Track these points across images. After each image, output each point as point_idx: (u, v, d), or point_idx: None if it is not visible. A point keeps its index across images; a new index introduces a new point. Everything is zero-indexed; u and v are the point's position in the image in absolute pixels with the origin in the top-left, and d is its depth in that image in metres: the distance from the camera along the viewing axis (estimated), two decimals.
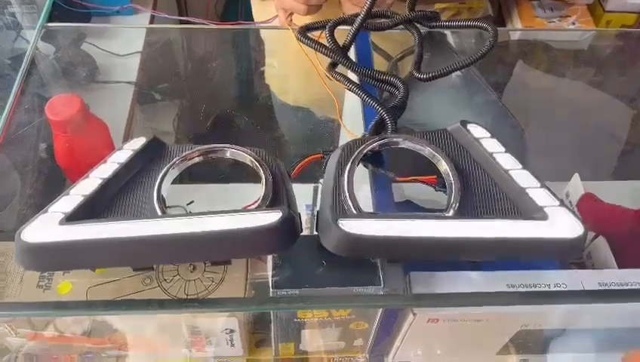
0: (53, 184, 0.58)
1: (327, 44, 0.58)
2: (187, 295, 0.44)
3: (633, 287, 0.45)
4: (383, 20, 0.63)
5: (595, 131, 0.71)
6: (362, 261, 0.43)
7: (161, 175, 0.44)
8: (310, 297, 0.42)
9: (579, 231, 0.40)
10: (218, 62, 0.73)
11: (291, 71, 0.76)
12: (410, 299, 0.44)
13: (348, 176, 0.43)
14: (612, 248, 0.52)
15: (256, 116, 0.68)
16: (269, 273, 0.42)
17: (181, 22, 1.15)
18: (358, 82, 0.57)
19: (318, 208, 0.45)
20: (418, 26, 0.64)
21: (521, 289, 0.44)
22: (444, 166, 0.45)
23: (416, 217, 0.41)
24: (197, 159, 0.46)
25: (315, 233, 0.43)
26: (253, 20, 0.85)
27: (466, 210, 0.43)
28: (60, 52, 0.72)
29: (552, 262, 0.47)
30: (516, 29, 1.04)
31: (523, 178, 0.44)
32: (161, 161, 0.46)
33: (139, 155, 0.46)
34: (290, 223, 0.40)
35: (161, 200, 0.43)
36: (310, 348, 0.52)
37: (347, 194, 0.42)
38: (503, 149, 0.45)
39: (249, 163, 0.46)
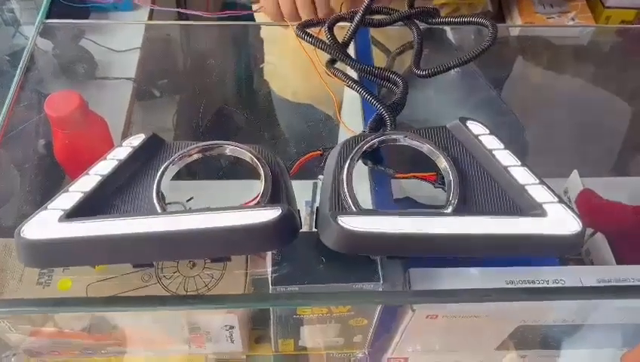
0: (53, 181, 0.58)
1: (327, 41, 0.58)
2: (187, 291, 0.44)
3: (632, 283, 0.45)
4: (382, 17, 0.63)
5: (594, 127, 0.71)
6: (361, 257, 0.43)
7: (160, 172, 0.44)
8: (310, 294, 0.42)
9: (577, 228, 0.41)
10: (217, 58, 0.73)
11: (291, 67, 0.76)
12: (409, 295, 0.44)
13: (347, 172, 0.43)
14: (610, 244, 0.52)
15: (256, 113, 0.67)
16: (269, 269, 0.43)
17: (179, 15, 1.14)
18: (357, 79, 0.57)
19: (317, 205, 0.45)
20: (417, 22, 0.64)
21: (519, 286, 0.44)
22: (443, 163, 0.45)
23: (416, 214, 0.41)
24: (196, 156, 0.46)
25: (315, 230, 0.43)
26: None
27: (465, 207, 0.43)
28: (58, 48, 0.72)
29: (550, 259, 0.47)
30: (516, 25, 1.03)
31: (522, 175, 0.44)
32: (160, 158, 0.46)
33: (138, 152, 0.46)
34: (289, 220, 0.40)
35: (161, 196, 0.43)
36: (309, 344, 0.52)
37: (346, 191, 0.42)
38: (502, 146, 0.45)
39: (248, 160, 0.46)
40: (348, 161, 0.44)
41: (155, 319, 0.48)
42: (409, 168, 0.48)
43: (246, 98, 0.72)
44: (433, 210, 0.43)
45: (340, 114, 0.56)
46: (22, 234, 0.39)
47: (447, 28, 0.69)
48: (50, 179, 0.58)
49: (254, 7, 0.72)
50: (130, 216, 0.40)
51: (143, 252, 0.40)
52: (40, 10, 0.69)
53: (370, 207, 0.48)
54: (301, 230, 0.41)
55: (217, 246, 0.40)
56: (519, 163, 0.44)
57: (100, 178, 0.43)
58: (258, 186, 0.43)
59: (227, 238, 0.39)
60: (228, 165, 0.56)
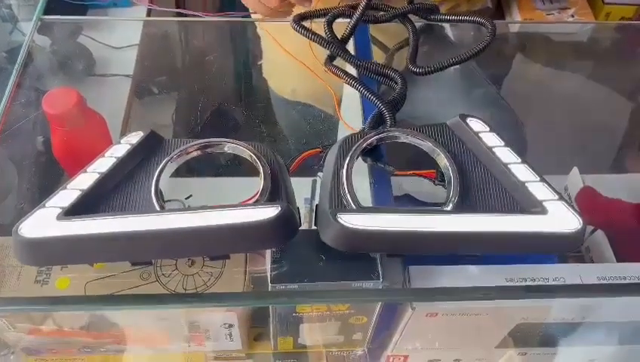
0: (51, 178, 0.58)
1: (325, 36, 0.58)
2: (185, 289, 0.44)
3: (632, 281, 0.45)
4: (379, 13, 0.63)
5: (594, 124, 0.71)
6: (361, 255, 0.43)
7: (159, 169, 0.44)
8: (309, 291, 0.42)
9: (577, 225, 0.40)
10: (216, 55, 0.73)
11: (289, 65, 0.75)
12: (409, 293, 0.44)
13: (347, 170, 0.43)
14: (611, 242, 0.52)
15: (255, 110, 0.67)
16: (268, 267, 0.42)
17: (178, 12, 1.14)
18: (356, 75, 0.57)
19: (316, 202, 0.44)
20: (416, 18, 0.64)
21: (519, 283, 0.44)
22: (443, 160, 0.45)
23: (416, 211, 0.41)
24: (195, 153, 0.46)
25: (314, 227, 0.43)
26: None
27: (465, 204, 0.43)
28: (56, 45, 0.71)
29: (550, 256, 0.47)
30: (515, 22, 1.03)
31: (522, 172, 0.44)
32: (159, 155, 0.46)
33: (137, 149, 0.45)
34: (288, 218, 0.40)
35: (159, 194, 0.43)
36: (309, 342, 0.52)
37: (346, 189, 0.42)
38: (503, 143, 0.45)
39: (247, 157, 0.45)
40: (347, 159, 0.44)
41: (153, 317, 0.48)
42: (409, 165, 0.48)
43: (245, 95, 0.72)
44: (433, 207, 0.43)
45: (339, 111, 0.56)
46: (19, 232, 0.39)
47: (446, 24, 0.69)
48: (48, 177, 0.58)
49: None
50: (129, 213, 0.40)
51: (142, 250, 0.40)
52: (37, 6, 0.68)
53: (370, 205, 0.48)
54: (300, 228, 0.41)
55: (216, 244, 0.40)
56: (519, 160, 0.44)
57: (98, 175, 0.43)
58: (257, 184, 0.43)
59: (226, 236, 0.39)
60: (227, 163, 0.55)
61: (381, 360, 0.53)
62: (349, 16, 0.59)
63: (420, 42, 0.61)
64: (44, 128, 0.57)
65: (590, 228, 0.53)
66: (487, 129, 0.46)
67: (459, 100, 0.65)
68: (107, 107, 0.61)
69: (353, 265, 0.42)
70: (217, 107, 0.66)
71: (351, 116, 0.56)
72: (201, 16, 0.74)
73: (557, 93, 0.74)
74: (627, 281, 0.45)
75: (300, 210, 0.43)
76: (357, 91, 0.55)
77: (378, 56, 0.66)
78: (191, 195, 0.48)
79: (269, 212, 0.39)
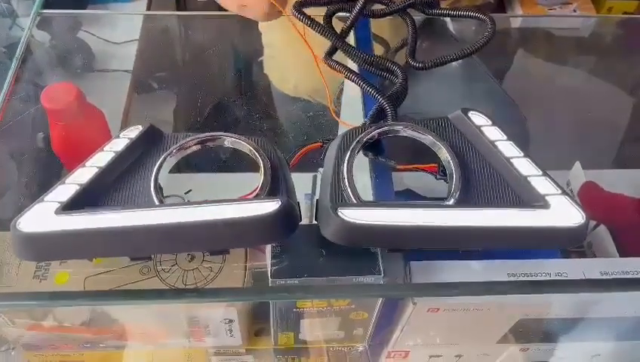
0: (50, 173, 0.57)
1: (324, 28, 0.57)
2: (185, 285, 0.43)
3: (635, 276, 0.45)
4: (379, 7, 0.62)
5: (596, 119, 0.70)
6: (362, 250, 0.42)
7: (158, 163, 0.44)
8: (309, 287, 0.42)
9: (581, 220, 0.40)
10: (217, 50, 0.72)
11: (290, 60, 0.75)
12: (410, 288, 0.44)
13: (348, 164, 0.43)
14: (613, 237, 0.52)
15: (255, 105, 0.67)
16: (268, 262, 0.42)
17: (178, 6, 1.14)
18: (356, 70, 0.57)
19: (317, 197, 0.44)
20: (416, 12, 0.63)
21: (522, 279, 0.43)
22: (445, 154, 0.44)
23: (417, 206, 0.40)
24: (195, 148, 0.46)
25: (315, 222, 0.42)
26: None
27: (467, 199, 0.42)
28: (55, 40, 0.71)
29: (553, 251, 0.47)
30: (517, 15, 1.03)
31: (524, 166, 0.43)
32: (158, 150, 0.45)
33: (136, 144, 0.45)
34: (289, 212, 0.39)
35: (159, 189, 0.43)
36: (309, 337, 0.52)
37: (347, 183, 0.42)
38: (505, 137, 0.45)
39: (247, 152, 0.45)
40: (348, 153, 0.44)
41: (153, 313, 0.48)
42: (410, 160, 0.47)
43: (245, 90, 0.72)
44: (435, 202, 0.43)
45: (332, 107, 0.55)
46: (18, 227, 0.38)
47: (447, 18, 0.68)
48: (46, 172, 0.58)
49: None
50: (128, 208, 0.40)
51: (141, 245, 0.40)
52: (36, 0, 0.68)
53: (371, 200, 0.47)
54: (301, 223, 0.41)
55: (216, 238, 0.40)
56: (522, 154, 0.44)
57: (97, 170, 0.43)
58: (257, 179, 0.43)
59: (226, 231, 0.39)
60: (227, 157, 0.55)
61: (382, 355, 0.53)
62: (349, 11, 0.58)
63: (421, 36, 0.60)
64: (43, 123, 0.56)
65: (593, 223, 0.52)
66: (490, 123, 0.46)
67: (460, 94, 0.65)
68: (107, 102, 0.60)
69: (354, 260, 0.42)
70: (217, 102, 0.66)
71: (352, 110, 0.56)
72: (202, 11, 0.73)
73: (559, 87, 0.74)
74: (630, 276, 0.45)
75: (300, 206, 0.43)
76: (357, 86, 0.55)
77: (378, 51, 0.66)
78: (190, 190, 0.48)
79: (269, 206, 0.38)
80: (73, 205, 0.40)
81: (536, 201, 0.41)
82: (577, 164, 0.58)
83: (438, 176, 0.45)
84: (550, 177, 0.43)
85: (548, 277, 0.44)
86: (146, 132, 0.46)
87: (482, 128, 0.46)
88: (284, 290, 0.42)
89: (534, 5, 1.14)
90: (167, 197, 0.43)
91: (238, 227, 0.39)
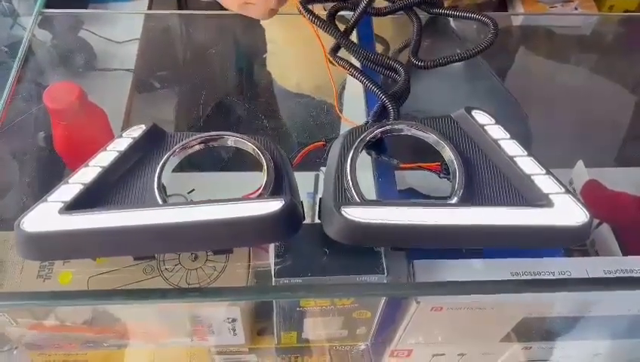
0: (52, 172, 0.57)
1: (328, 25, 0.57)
2: (189, 284, 0.43)
3: (638, 274, 0.45)
4: (383, 5, 0.62)
5: (599, 117, 0.70)
6: (365, 249, 0.42)
7: (161, 163, 0.44)
8: (313, 286, 0.42)
9: (584, 218, 0.40)
10: (218, 48, 0.72)
11: (293, 58, 0.75)
12: (413, 287, 0.44)
13: (351, 163, 0.43)
14: (616, 235, 0.52)
15: (258, 104, 0.67)
16: (272, 261, 0.42)
17: (179, 5, 1.13)
18: (360, 67, 0.56)
19: (319, 196, 0.44)
20: (419, 11, 0.63)
21: (525, 277, 0.43)
22: (448, 153, 0.44)
23: (420, 204, 0.40)
24: (198, 147, 0.46)
25: (318, 221, 0.42)
26: None
27: (470, 197, 0.42)
28: (57, 39, 0.71)
29: (556, 250, 0.47)
30: (518, 14, 1.02)
31: (528, 165, 0.43)
32: (161, 149, 0.45)
33: (139, 143, 0.45)
34: (292, 211, 0.39)
35: (162, 188, 0.42)
36: (312, 336, 0.52)
37: (350, 182, 0.42)
38: (508, 136, 0.45)
39: (250, 151, 0.45)
40: (351, 151, 0.44)
41: (157, 312, 0.48)
42: (413, 159, 0.47)
43: (248, 89, 0.72)
44: (438, 200, 0.43)
45: (337, 104, 0.55)
46: (21, 227, 0.38)
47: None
48: (49, 171, 0.58)
49: None
50: (131, 207, 0.40)
51: (145, 244, 0.40)
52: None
53: (374, 198, 0.47)
54: (304, 222, 0.41)
55: (219, 238, 0.40)
56: (525, 153, 0.44)
57: (100, 169, 0.43)
58: (260, 178, 0.43)
59: (229, 230, 0.39)
60: (230, 157, 0.55)
61: (385, 354, 0.53)
62: (352, 9, 0.58)
63: (424, 35, 0.60)
64: (46, 123, 0.56)
65: (595, 221, 0.52)
66: (493, 121, 0.46)
67: (462, 93, 0.65)
68: (108, 102, 0.60)
69: (357, 259, 0.42)
70: (220, 101, 0.66)
71: (354, 109, 0.56)
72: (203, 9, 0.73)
73: (560, 85, 0.74)
74: (634, 275, 0.45)
75: (303, 204, 0.43)
76: (360, 83, 0.55)
77: (380, 49, 0.65)
78: (193, 189, 0.48)
79: (273, 205, 0.38)
80: (76, 205, 0.40)
81: (540, 200, 0.41)
82: (580, 163, 0.58)
83: (441, 175, 0.45)
84: (554, 176, 0.43)
85: (551, 276, 0.44)
86: (148, 131, 0.46)
87: (486, 127, 0.46)
88: (288, 289, 0.42)
89: (535, 3, 1.14)
90: (170, 196, 0.43)
91: (242, 226, 0.39)
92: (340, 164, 0.43)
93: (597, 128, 0.69)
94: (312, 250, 0.42)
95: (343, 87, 0.61)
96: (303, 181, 0.47)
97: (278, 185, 0.43)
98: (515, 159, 0.43)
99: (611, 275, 0.45)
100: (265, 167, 0.43)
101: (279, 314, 0.48)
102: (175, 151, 0.44)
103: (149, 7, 1.00)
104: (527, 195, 0.42)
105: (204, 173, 0.57)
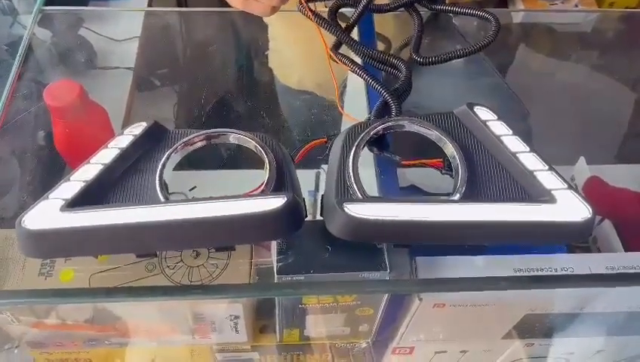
0: (53, 171, 0.57)
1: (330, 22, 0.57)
2: (191, 281, 0.43)
3: None
4: (384, 2, 0.62)
5: (600, 114, 0.70)
6: (368, 246, 0.42)
7: (163, 160, 0.43)
8: (315, 283, 0.42)
9: (587, 214, 0.40)
10: (219, 45, 0.72)
11: (295, 54, 0.75)
12: (416, 284, 0.44)
13: (353, 159, 0.43)
14: (618, 231, 0.52)
15: (259, 101, 0.67)
16: (274, 259, 0.42)
17: (179, 1, 1.13)
18: (361, 64, 0.56)
19: (321, 193, 0.44)
20: (421, 7, 0.63)
21: (527, 274, 0.43)
22: (450, 149, 0.44)
23: (423, 201, 0.40)
24: (199, 144, 0.46)
25: (320, 218, 0.42)
26: None
27: (472, 194, 0.42)
28: (57, 37, 0.71)
29: (558, 246, 0.47)
30: (518, 10, 1.02)
31: (530, 161, 0.43)
32: (162, 146, 0.45)
33: (140, 140, 0.45)
34: (294, 208, 0.39)
35: (164, 185, 0.42)
36: (315, 334, 0.52)
37: (352, 178, 0.42)
38: (510, 132, 0.45)
39: (252, 148, 0.45)
40: (354, 148, 0.43)
41: (159, 309, 0.48)
42: (415, 155, 0.47)
43: (249, 86, 0.72)
44: (441, 197, 0.43)
45: (339, 101, 0.55)
46: (23, 225, 0.38)
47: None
48: (50, 169, 0.58)
49: None
50: (133, 205, 0.40)
51: (147, 241, 0.39)
52: None
53: (376, 195, 0.47)
54: (305, 219, 0.41)
55: (221, 235, 0.40)
56: (528, 149, 0.44)
57: (101, 167, 0.42)
58: (262, 176, 0.42)
59: (231, 227, 0.39)
60: (231, 154, 0.55)
61: (387, 352, 0.53)
62: (354, 6, 0.58)
63: (426, 32, 0.60)
64: (46, 121, 0.56)
65: (597, 218, 0.52)
66: (495, 117, 0.46)
67: (464, 89, 0.65)
68: (109, 100, 0.60)
69: (359, 255, 0.42)
70: (221, 98, 0.66)
71: (356, 106, 0.56)
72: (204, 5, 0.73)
73: (562, 82, 0.73)
74: (636, 271, 0.45)
75: (305, 201, 0.43)
76: (362, 80, 0.54)
77: (381, 46, 0.65)
78: (195, 187, 0.47)
79: (275, 202, 0.38)
80: (78, 202, 0.40)
81: (543, 196, 0.41)
82: (582, 159, 0.58)
83: (443, 171, 0.45)
84: (556, 172, 0.42)
85: (554, 272, 0.44)
86: (150, 129, 0.46)
87: (488, 123, 0.45)
88: (290, 286, 0.42)
89: (536, 0, 1.14)
90: (171, 194, 0.43)
91: (244, 223, 0.38)
92: (342, 160, 0.43)
93: (598, 125, 0.69)
94: (315, 247, 0.42)
95: (345, 84, 0.60)
96: (305, 179, 0.47)
97: (280, 182, 0.42)
98: (517, 155, 0.43)
99: (613, 271, 0.45)
100: (267, 164, 0.43)
101: (281, 312, 0.48)
102: (177, 148, 0.44)
103: (149, 5, 1.00)
104: (530, 191, 0.42)
105: (205, 171, 0.57)
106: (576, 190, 0.41)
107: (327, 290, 0.44)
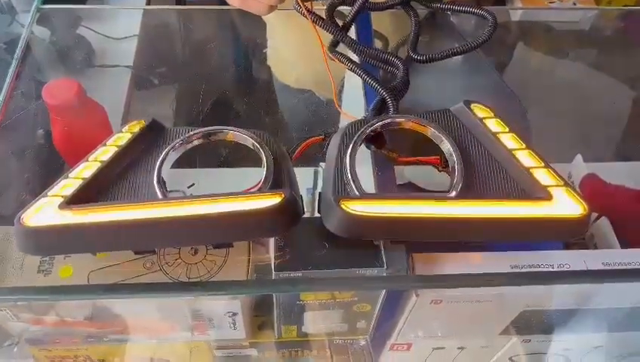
0: (52, 168, 0.57)
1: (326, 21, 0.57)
2: (189, 278, 0.43)
3: (637, 267, 0.45)
4: (381, 0, 0.62)
5: (597, 112, 0.70)
6: (365, 242, 0.42)
7: (161, 157, 0.44)
8: (313, 279, 0.42)
9: (583, 211, 0.40)
10: (217, 44, 0.72)
11: (293, 53, 0.75)
12: (413, 280, 0.44)
13: (350, 157, 0.43)
14: (615, 228, 0.52)
15: (257, 99, 0.67)
16: (272, 255, 0.42)
17: (177, 0, 1.13)
18: (358, 62, 0.57)
19: (319, 190, 0.44)
20: (418, 5, 0.63)
21: (524, 270, 0.44)
22: (447, 146, 0.44)
23: (420, 197, 0.41)
24: (197, 141, 0.46)
25: (317, 215, 0.42)
26: None
27: (469, 191, 0.42)
28: (55, 36, 0.71)
29: (555, 243, 0.47)
30: (516, 8, 1.02)
31: (527, 158, 0.43)
32: (161, 144, 0.45)
33: (138, 138, 0.45)
34: (292, 205, 0.39)
35: (162, 183, 0.43)
36: (312, 330, 0.52)
37: (350, 175, 0.42)
38: (507, 129, 0.45)
39: (250, 145, 0.45)
40: (351, 145, 0.44)
41: (157, 306, 0.48)
42: (412, 153, 0.47)
43: (247, 84, 0.72)
44: (437, 193, 0.43)
45: (336, 99, 0.55)
46: (21, 222, 0.39)
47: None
48: (49, 167, 0.58)
49: None
50: (132, 202, 0.40)
51: (145, 238, 0.40)
52: None
53: (374, 192, 0.47)
54: (303, 216, 0.41)
55: (219, 232, 0.40)
56: (524, 146, 0.44)
57: (99, 164, 0.43)
58: (260, 173, 0.43)
59: (230, 224, 0.39)
60: (229, 152, 0.55)
61: (385, 348, 0.53)
62: (350, 4, 0.58)
63: (423, 30, 0.60)
64: (45, 119, 0.56)
65: (594, 215, 0.52)
66: (492, 115, 0.46)
67: (462, 87, 0.65)
68: (107, 98, 0.60)
69: (357, 252, 0.42)
70: (220, 96, 0.66)
71: (354, 103, 0.56)
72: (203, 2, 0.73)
73: (559, 80, 0.74)
74: (632, 267, 0.45)
75: (302, 199, 0.43)
76: (359, 78, 0.55)
77: (379, 44, 0.65)
78: (193, 184, 0.48)
79: (273, 200, 0.39)
80: (77, 199, 0.40)
81: (539, 193, 0.41)
82: (578, 157, 0.58)
83: (440, 168, 0.46)
84: (552, 169, 0.43)
85: (550, 269, 0.44)
86: (148, 126, 0.46)
87: (484, 120, 0.46)
88: (288, 283, 0.42)
89: None
90: (170, 191, 0.43)
91: (242, 220, 0.39)
92: (340, 157, 0.43)
93: (595, 122, 0.69)
94: (312, 244, 0.43)
95: (343, 83, 0.61)
96: (303, 176, 0.47)
97: (278, 179, 0.43)
98: (513, 152, 0.43)
99: (610, 268, 0.45)
100: (264, 162, 0.43)
101: (279, 308, 0.48)
102: (175, 145, 0.45)
103: (148, 3, 1.00)
104: (526, 188, 0.42)
105: (203, 169, 0.57)
106: (572, 187, 0.42)
107: (324, 287, 0.44)
